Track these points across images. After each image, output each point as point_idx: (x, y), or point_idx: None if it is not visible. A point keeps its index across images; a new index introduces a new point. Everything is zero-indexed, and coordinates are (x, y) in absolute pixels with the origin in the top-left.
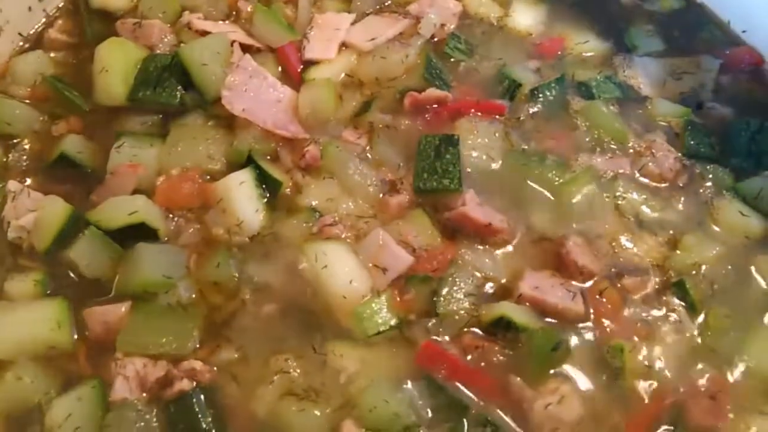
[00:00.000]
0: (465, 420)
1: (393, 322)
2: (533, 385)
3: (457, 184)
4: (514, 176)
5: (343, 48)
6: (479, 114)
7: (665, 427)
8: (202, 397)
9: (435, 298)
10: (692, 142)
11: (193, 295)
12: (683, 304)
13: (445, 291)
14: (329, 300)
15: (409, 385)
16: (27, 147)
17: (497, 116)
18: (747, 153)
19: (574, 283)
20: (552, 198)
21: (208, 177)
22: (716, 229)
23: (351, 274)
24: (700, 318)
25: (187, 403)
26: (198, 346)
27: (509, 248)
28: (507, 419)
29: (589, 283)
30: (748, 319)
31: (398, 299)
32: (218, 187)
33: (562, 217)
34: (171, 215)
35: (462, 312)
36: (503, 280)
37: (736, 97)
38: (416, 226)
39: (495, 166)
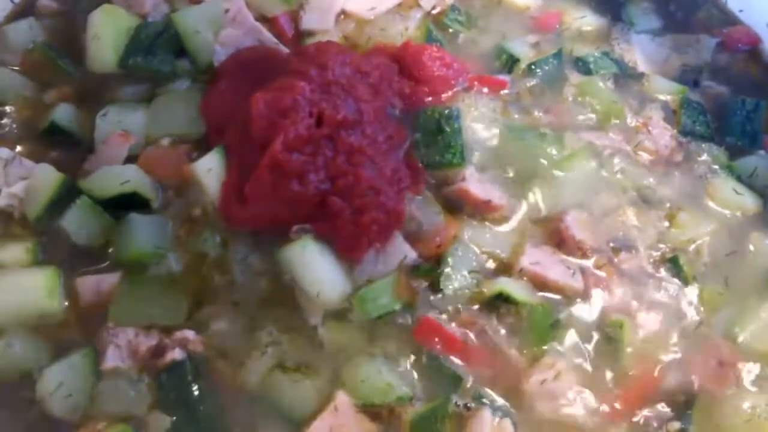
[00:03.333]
0: (458, 393)
1: (397, 306)
2: (530, 361)
3: (459, 158)
4: (513, 151)
5: (342, 17)
6: (480, 88)
7: (661, 400)
8: (193, 366)
9: (438, 276)
10: (688, 120)
11: (183, 267)
12: (677, 279)
13: (447, 268)
14: (303, 295)
15: (404, 357)
16: (17, 114)
17: (500, 91)
18: (742, 132)
19: (573, 259)
20: (551, 173)
21: (196, 154)
22: (711, 205)
23: (323, 274)
24: (695, 294)
25: (178, 372)
26: (188, 317)
27: (509, 224)
28: (501, 394)
29: (589, 261)
30: (742, 295)
31: (404, 284)
32: (191, 171)
33: (560, 192)
34: (162, 186)
35: (464, 288)
36: (504, 256)
37: (732, 75)
38: (421, 201)
39: (494, 141)
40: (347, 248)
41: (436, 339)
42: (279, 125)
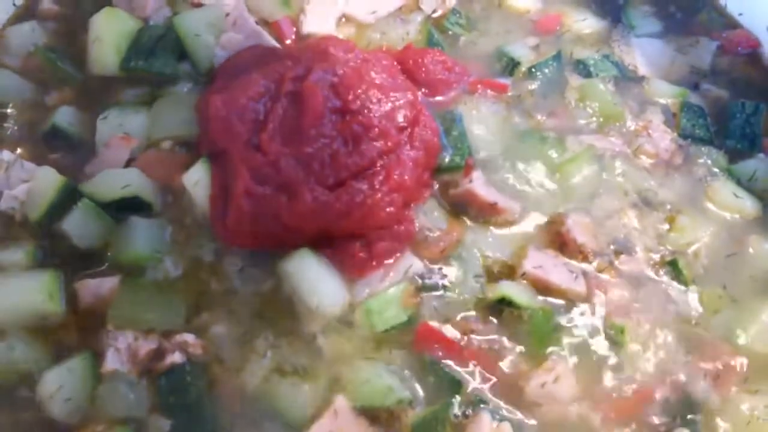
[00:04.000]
0: (458, 397)
1: (404, 317)
2: (531, 364)
3: (465, 161)
4: (515, 154)
5: (343, 20)
6: (481, 92)
7: (662, 404)
8: (193, 370)
9: (441, 281)
10: (688, 123)
11: (181, 272)
12: (677, 282)
13: (451, 274)
14: (302, 306)
15: (404, 361)
16: (19, 117)
17: (500, 94)
18: (741, 135)
19: (575, 263)
20: (553, 176)
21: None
22: (711, 208)
23: (323, 286)
24: (695, 297)
25: (178, 375)
26: (188, 321)
27: (512, 228)
28: (501, 397)
29: (591, 265)
30: (741, 298)
31: (409, 294)
32: (182, 182)
33: (562, 195)
34: (162, 189)
35: (467, 293)
36: (507, 260)
37: (732, 79)
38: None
39: (496, 144)
40: (355, 272)
41: (436, 344)
42: (234, 130)
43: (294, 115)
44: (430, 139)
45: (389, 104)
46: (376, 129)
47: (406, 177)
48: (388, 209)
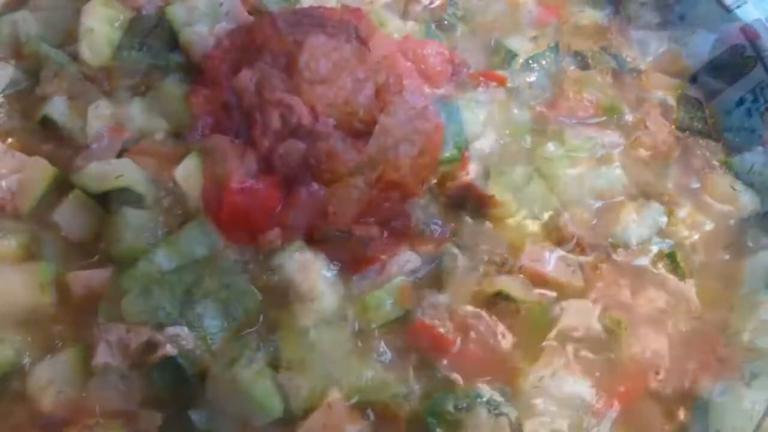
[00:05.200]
0: (454, 392)
1: (400, 313)
2: (528, 359)
3: (461, 153)
4: (512, 146)
5: None
6: (479, 84)
7: (660, 397)
8: (185, 363)
9: (437, 276)
10: (685, 116)
11: (174, 264)
12: (675, 276)
13: (447, 268)
14: (297, 300)
15: (399, 356)
16: (10, 107)
17: (499, 86)
18: (739, 128)
19: (572, 256)
20: (550, 169)
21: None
22: (709, 201)
23: (319, 281)
24: (692, 290)
25: (170, 368)
26: (180, 314)
27: (510, 221)
28: (498, 392)
29: (589, 258)
30: (738, 292)
31: (406, 289)
32: (174, 175)
33: (560, 188)
34: (155, 181)
35: (463, 287)
36: (504, 254)
37: (730, 71)
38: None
39: (493, 136)
40: (351, 267)
41: (430, 341)
42: (225, 124)
43: (288, 110)
44: (432, 135)
45: (390, 99)
46: (376, 125)
47: (405, 174)
48: (384, 206)
